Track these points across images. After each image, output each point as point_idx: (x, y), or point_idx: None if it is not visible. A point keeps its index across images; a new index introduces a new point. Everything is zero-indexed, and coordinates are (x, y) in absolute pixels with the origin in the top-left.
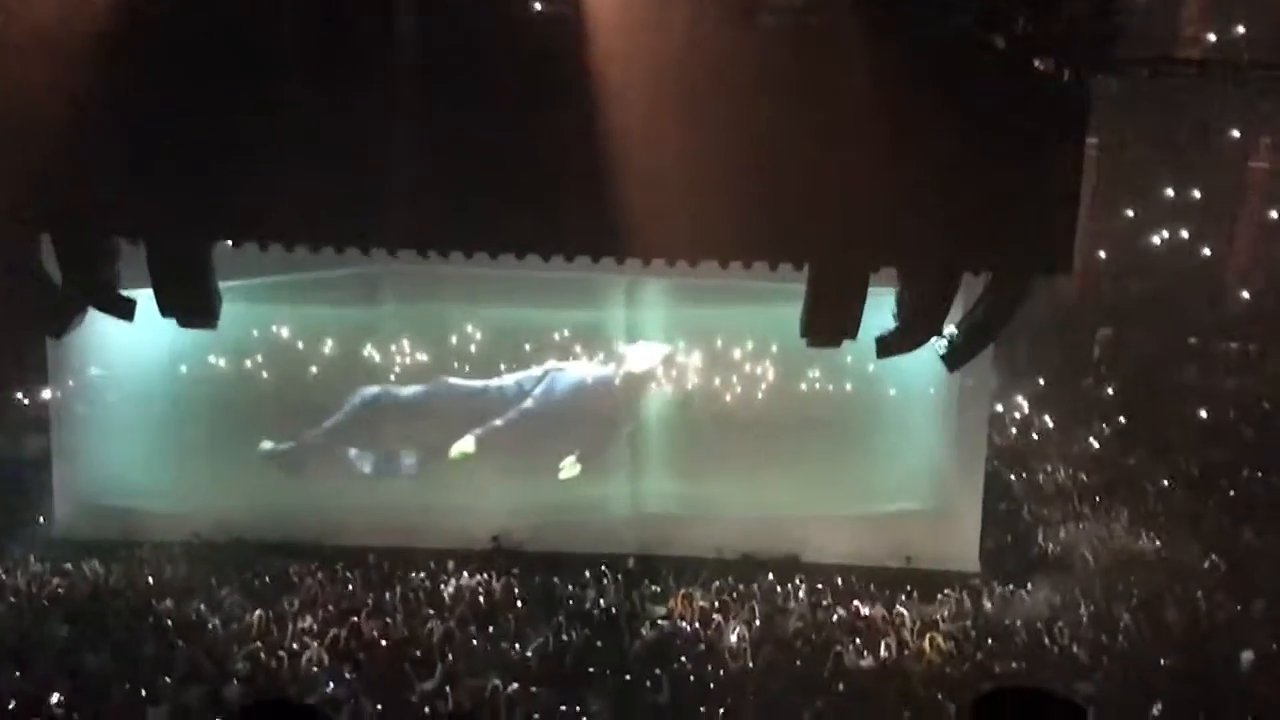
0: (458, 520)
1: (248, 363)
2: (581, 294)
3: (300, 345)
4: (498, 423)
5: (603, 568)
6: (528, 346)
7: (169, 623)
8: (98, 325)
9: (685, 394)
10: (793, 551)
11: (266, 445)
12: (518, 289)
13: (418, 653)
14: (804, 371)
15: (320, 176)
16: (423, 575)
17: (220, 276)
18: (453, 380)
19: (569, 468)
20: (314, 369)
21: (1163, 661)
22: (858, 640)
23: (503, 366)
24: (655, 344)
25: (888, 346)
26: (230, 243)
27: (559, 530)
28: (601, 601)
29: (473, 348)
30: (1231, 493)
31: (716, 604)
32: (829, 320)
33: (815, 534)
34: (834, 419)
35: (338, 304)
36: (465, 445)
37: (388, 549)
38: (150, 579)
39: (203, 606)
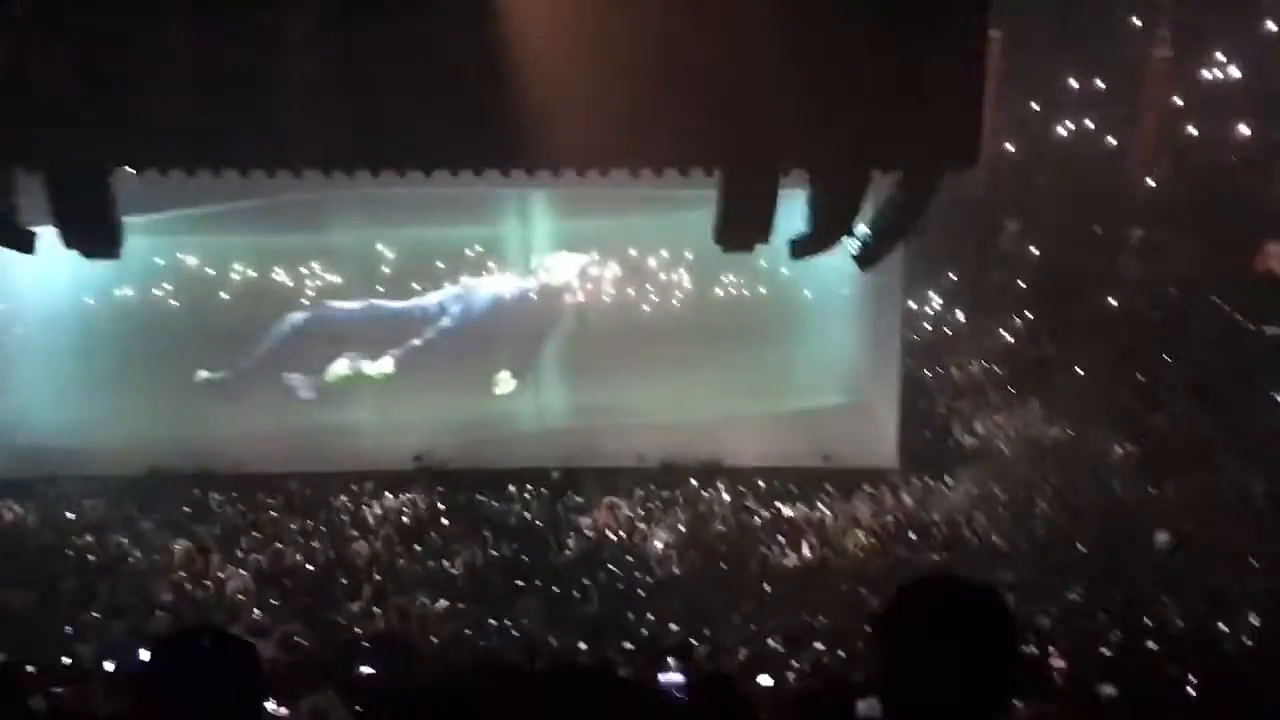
0: (380, 442)
1: (156, 291)
2: (487, 209)
3: (210, 272)
4: (416, 341)
5: (526, 483)
6: (440, 265)
7: (90, 558)
8: None
9: (602, 303)
10: (714, 456)
11: (203, 374)
12: (420, 208)
13: (344, 577)
14: (719, 277)
15: (220, 98)
16: (346, 499)
17: (125, 212)
18: (376, 302)
19: (503, 383)
20: (224, 295)
21: (1079, 547)
22: (781, 541)
23: (415, 286)
24: (571, 255)
25: (801, 248)
26: (132, 170)
27: (482, 447)
28: (527, 515)
29: (385, 269)
30: (1142, 378)
31: (641, 512)
32: (742, 225)
33: (735, 438)
34: (750, 323)
35: (243, 233)
36: (384, 366)
37: (309, 474)
38: (69, 514)
39: (123, 540)
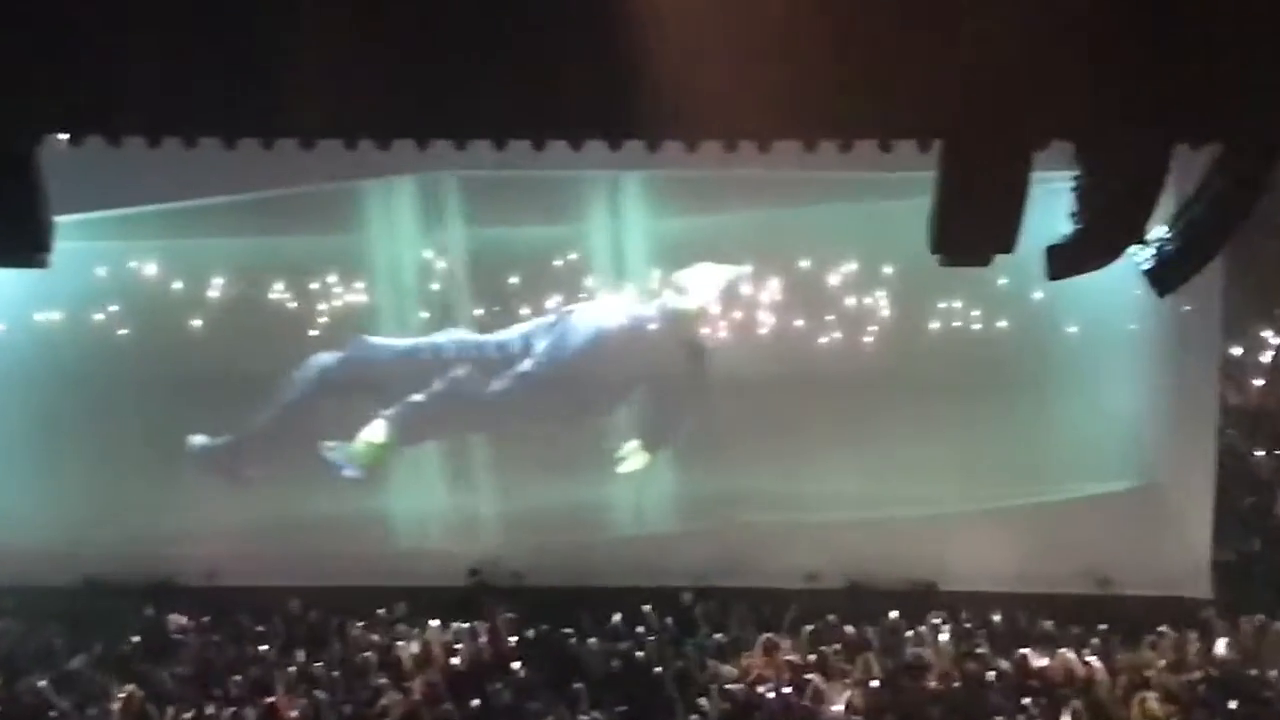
0: (424, 545)
1: (97, 315)
2: (575, 199)
3: (177, 287)
4: (486, 395)
5: (643, 607)
6: (513, 280)
7: None
8: None
9: (757, 341)
10: (926, 575)
11: (198, 441)
12: (484, 199)
13: None
14: (934, 303)
15: (197, 31)
16: (370, 629)
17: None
18: (434, 339)
19: (631, 454)
20: (196, 322)
21: None
22: (1030, 708)
23: (478, 312)
24: (714, 266)
25: (1064, 262)
26: (66, 137)
27: (576, 554)
28: (641, 658)
29: (433, 285)
30: None
31: (813, 658)
32: (973, 226)
33: (960, 547)
34: (983, 372)
35: (226, 233)
36: (373, 433)
37: (319, 590)
38: None
39: (42, 684)
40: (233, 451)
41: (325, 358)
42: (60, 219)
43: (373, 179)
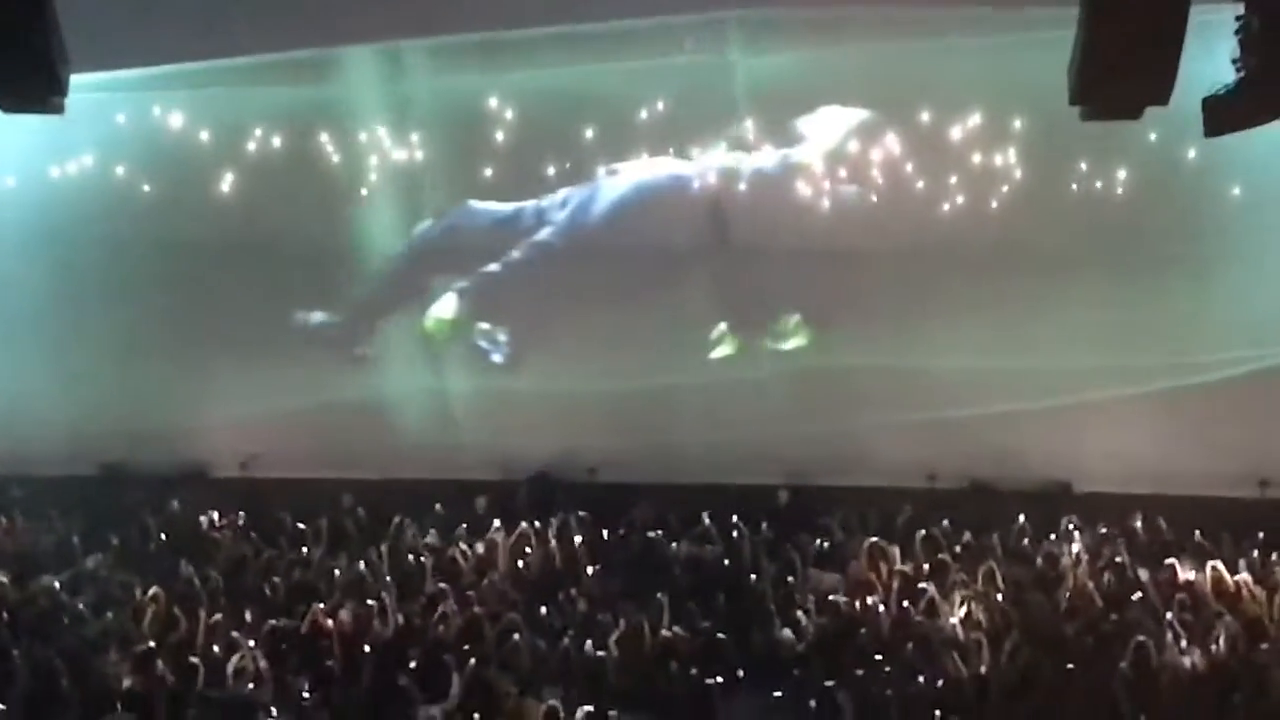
0: (486, 436)
1: (117, 169)
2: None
3: (206, 139)
4: (492, 267)
5: (732, 510)
6: (590, 133)
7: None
8: None
9: (869, 207)
10: (1059, 474)
11: (316, 317)
12: (554, 41)
13: (420, 659)
14: (1075, 162)
15: None
16: (426, 527)
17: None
18: (543, 202)
19: (722, 343)
20: (229, 179)
21: None
22: (1176, 626)
23: (550, 172)
24: (839, 110)
25: (1225, 115)
26: None
27: (656, 447)
28: (729, 566)
29: (500, 135)
30: None
31: (928, 567)
32: (1120, 74)
33: (1098, 442)
34: (1131, 243)
35: (260, 84)
36: (443, 308)
37: (367, 484)
38: None
39: (59, 585)
40: (346, 327)
41: (428, 226)
42: (83, 76)
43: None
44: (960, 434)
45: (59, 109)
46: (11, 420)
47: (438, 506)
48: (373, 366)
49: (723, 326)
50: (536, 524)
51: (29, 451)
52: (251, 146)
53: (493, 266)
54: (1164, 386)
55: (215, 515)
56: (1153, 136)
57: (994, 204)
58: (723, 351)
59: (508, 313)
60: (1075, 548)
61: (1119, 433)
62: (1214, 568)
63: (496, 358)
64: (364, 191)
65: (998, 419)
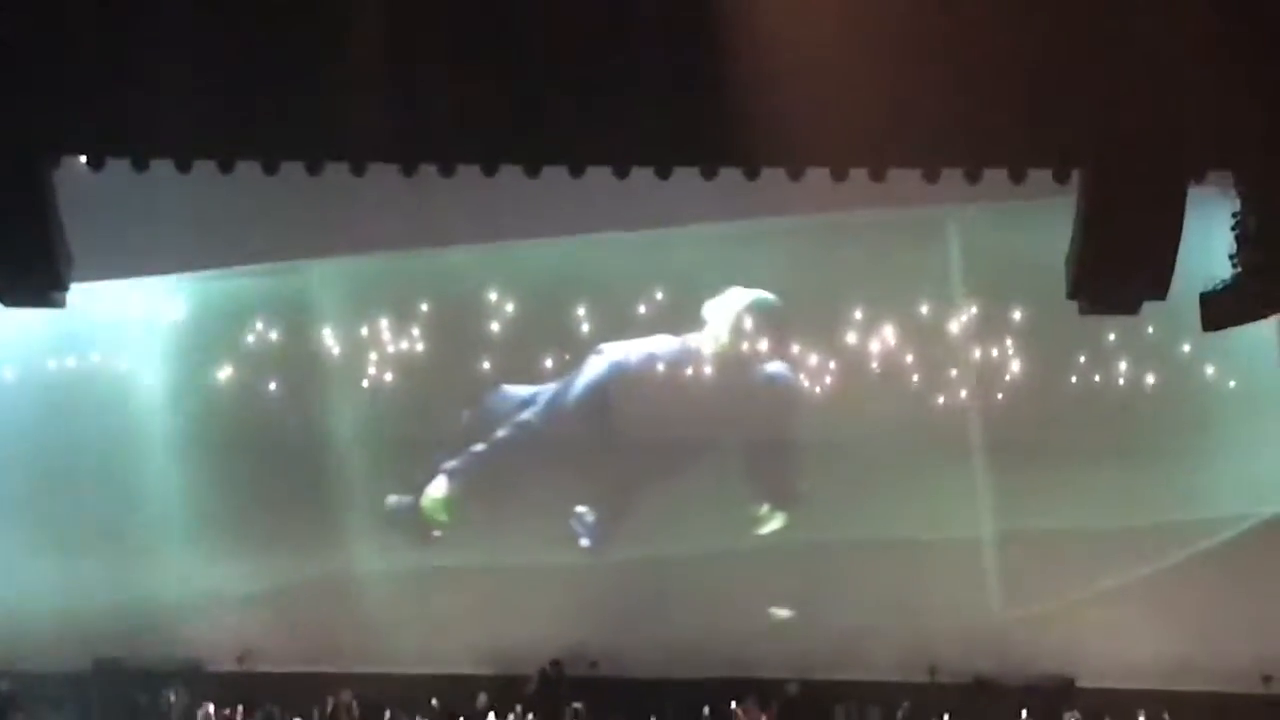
0: (482, 626)
1: (116, 362)
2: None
3: (205, 331)
4: (478, 447)
5: (732, 704)
6: (587, 326)
7: None
8: None
9: (857, 398)
10: (1062, 670)
11: (395, 499)
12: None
13: None
14: (1072, 356)
15: (240, 42)
16: None
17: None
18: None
19: (766, 516)
20: (221, 374)
21: None
22: None
23: (548, 364)
24: (736, 293)
25: (1221, 311)
26: (84, 160)
27: (656, 642)
28: None
29: (494, 327)
30: None
31: None
32: (1120, 270)
33: (1102, 636)
34: (1130, 434)
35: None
36: (435, 488)
37: (369, 677)
38: None
39: None
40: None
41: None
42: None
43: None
44: (962, 630)
45: (60, 304)
46: (3, 613)
47: (434, 701)
48: (374, 557)
49: (764, 506)
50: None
51: (21, 645)
52: (250, 339)
53: (479, 446)
54: (1165, 582)
55: (211, 710)
56: (1151, 330)
57: (998, 398)
58: (771, 526)
59: (490, 492)
60: None
61: (1122, 625)
62: None
63: (585, 541)
64: (364, 383)
65: (1000, 614)
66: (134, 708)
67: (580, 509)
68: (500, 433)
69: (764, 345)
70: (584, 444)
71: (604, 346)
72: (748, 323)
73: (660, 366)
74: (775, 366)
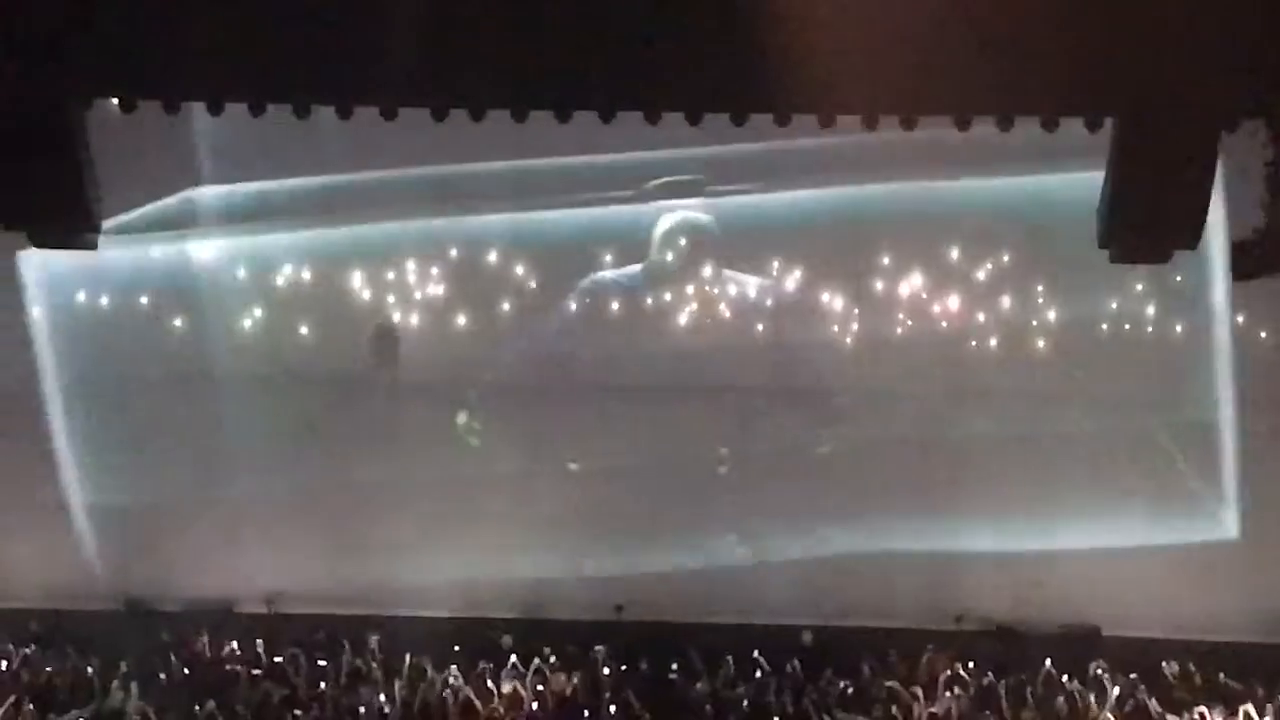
0: (506, 575)
1: (141, 300)
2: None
3: (240, 276)
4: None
5: (756, 652)
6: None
7: None
8: None
9: (897, 345)
10: (1087, 619)
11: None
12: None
13: None
14: (1101, 304)
15: None
16: (446, 664)
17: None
18: None
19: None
20: (256, 311)
21: None
22: None
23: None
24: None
25: (1255, 260)
26: (116, 102)
27: (679, 584)
28: (755, 704)
29: (519, 269)
30: None
31: (956, 713)
32: (1151, 217)
33: (1129, 585)
34: (1157, 387)
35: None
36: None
37: (395, 620)
38: None
39: None
40: None
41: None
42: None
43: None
44: (988, 577)
45: (93, 245)
46: (34, 552)
47: (457, 647)
48: (399, 502)
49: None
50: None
51: (52, 584)
52: (280, 282)
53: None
54: (1197, 539)
55: (238, 650)
56: (1179, 278)
57: (1022, 344)
58: None
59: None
60: (1111, 692)
61: (1150, 577)
62: (1245, 714)
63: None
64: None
65: (1027, 562)
66: (164, 648)
67: None
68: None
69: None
70: None
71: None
72: (681, 242)
73: None
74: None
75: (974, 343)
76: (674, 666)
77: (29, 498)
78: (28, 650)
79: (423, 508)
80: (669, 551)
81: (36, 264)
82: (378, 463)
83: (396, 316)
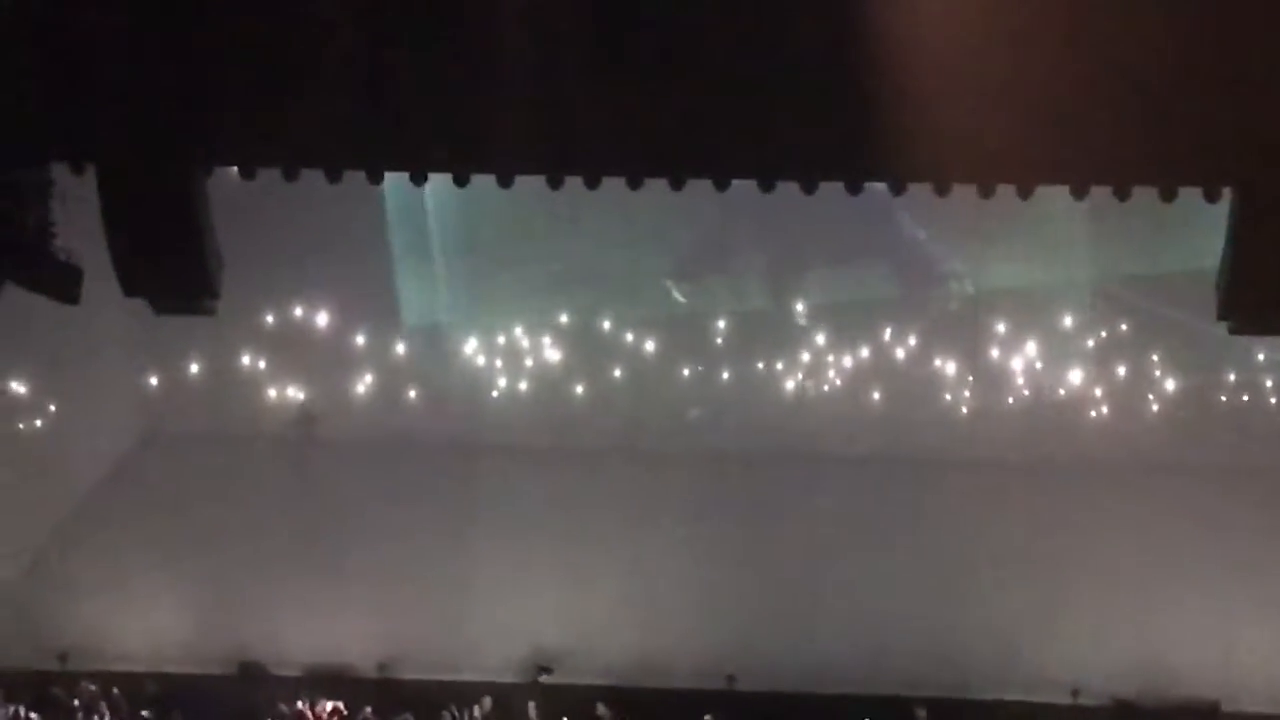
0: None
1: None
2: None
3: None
4: None
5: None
6: None
7: None
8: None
9: (1011, 416)
10: (1205, 694)
11: None
12: None
13: None
14: (1221, 376)
15: (395, 59)
16: None
17: None
18: None
19: None
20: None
21: None
22: None
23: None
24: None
25: None
26: (236, 170)
27: (791, 655)
28: None
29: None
30: None
31: None
32: (1273, 287)
33: (1247, 655)
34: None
35: None
36: None
37: (510, 686)
38: None
39: None
40: None
41: None
42: None
43: None
44: (1106, 651)
45: (211, 311)
46: (148, 615)
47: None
48: (507, 568)
49: None
50: None
51: (165, 647)
52: None
53: None
54: None
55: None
56: None
57: (1130, 420)
58: None
59: None
60: None
61: (1269, 651)
62: None
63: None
64: None
65: (1145, 635)
66: (276, 713)
67: None
68: None
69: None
70: None
71: None
72: None
73: None
74: None
75: (1092, 413)
76: None
77: (148, 562)
78: (144, 714)
79: (535, 575)
80: (782, 621)
81: None
82: (490, 530)
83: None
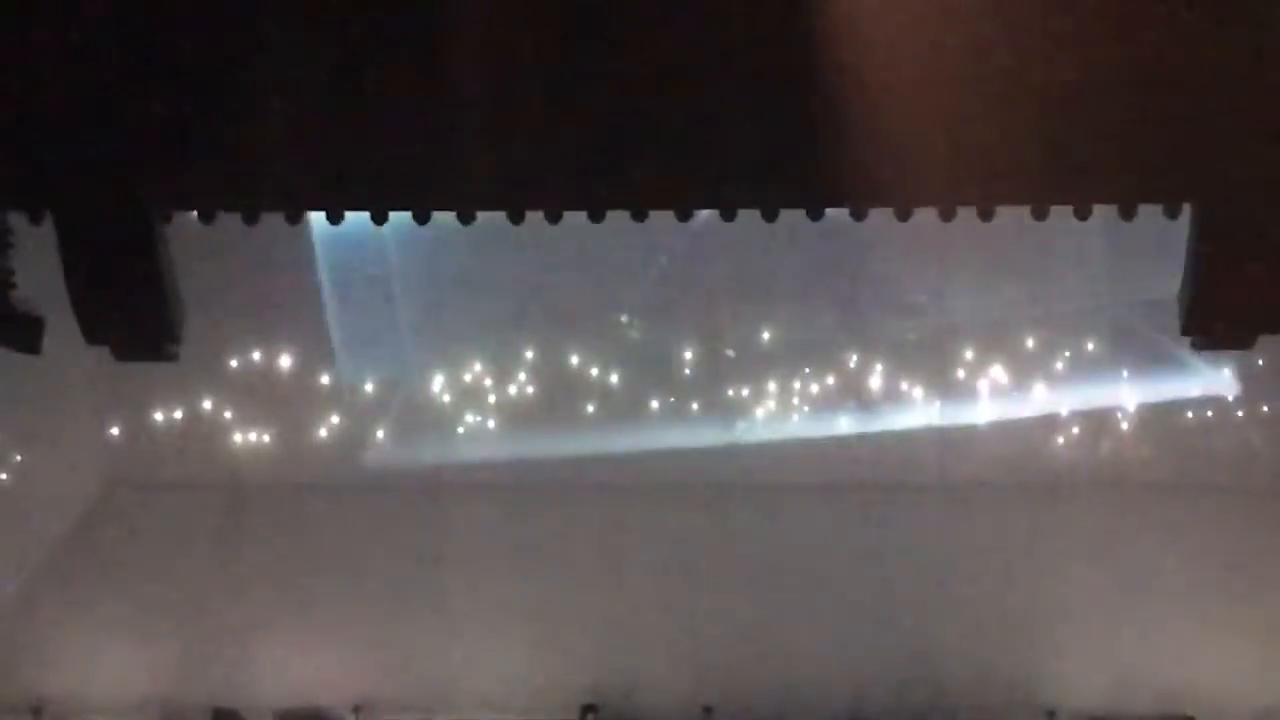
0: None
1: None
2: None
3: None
4: None
5: None
6: None
7: None
8: None
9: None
10: (1179, 710)
11: None
12: None
13: None
14: (1189, 394)
15: (344, 104)
16: None
17: None
18: None
19: None
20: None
21: None
22: None
23: None
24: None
25: None
26: (195, 214)
27: (771, 685)
28: None
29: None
30: None
31: None
32: (1235, 302)
33: (1226, 673)
34: (1243, 467)
35: None
36: None
37: None
38: None
39: None
40: None
41: None
42: None
43: None
44: (1075, 666)
45: (174, 357)
46: (119, 665)
47: None
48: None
49: None
50: None
51: (137, 696)
52: None
53: None
54: None
55: None
56: (1260, 362)
57: (1107, 430)
58: None
59: None
60: None
61: (1246, 666)
62: None
63: None
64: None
65: (1118, 649)
66: None
67: None
68: None
69: None
70: None
71: None
72: None
73: None
74: None
75: (1059, 437)
76: None
77: (117, 612)
78: None
79: (506, 613)
80: (758, 650)
81: None
82: (461, 569)
83: None
